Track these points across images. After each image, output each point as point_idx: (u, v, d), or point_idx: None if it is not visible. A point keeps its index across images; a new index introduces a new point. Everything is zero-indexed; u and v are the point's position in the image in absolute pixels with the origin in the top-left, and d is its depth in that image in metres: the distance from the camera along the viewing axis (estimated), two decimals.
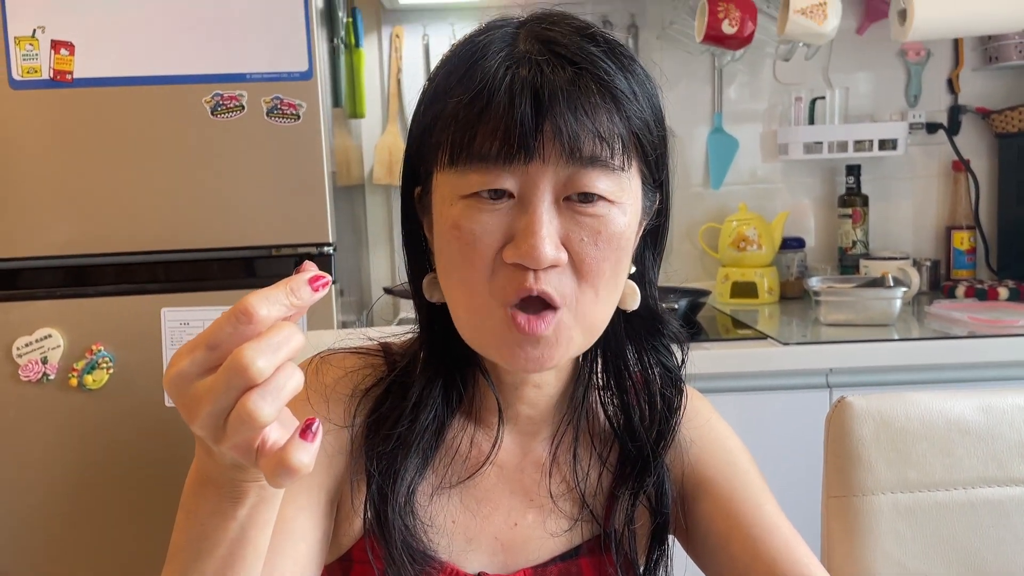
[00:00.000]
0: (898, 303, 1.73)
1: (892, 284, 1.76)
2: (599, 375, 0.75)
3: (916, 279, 1.93)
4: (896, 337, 1.64)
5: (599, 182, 0.60)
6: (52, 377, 1.49)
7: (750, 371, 1.59)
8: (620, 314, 0.70)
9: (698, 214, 2.20)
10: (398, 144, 2.12)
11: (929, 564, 0.80)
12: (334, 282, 1.55)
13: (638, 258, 0.70)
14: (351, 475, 0.71)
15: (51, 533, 1.53)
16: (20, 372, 1.49)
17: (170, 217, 1.50)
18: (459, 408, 0.72)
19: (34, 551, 1.53)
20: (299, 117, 1.49)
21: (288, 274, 1.54)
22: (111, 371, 1.50)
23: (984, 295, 1.93)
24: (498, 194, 0.60)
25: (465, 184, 0.60)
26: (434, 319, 0.70)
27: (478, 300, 0.62)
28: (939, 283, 2.10)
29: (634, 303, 0.69)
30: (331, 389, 0.72)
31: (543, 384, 0.72)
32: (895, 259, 2.02)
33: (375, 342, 0.78)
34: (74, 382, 1.49)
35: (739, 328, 1.80)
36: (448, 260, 0.63)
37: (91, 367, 1.49)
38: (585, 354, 0.73)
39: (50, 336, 1.49)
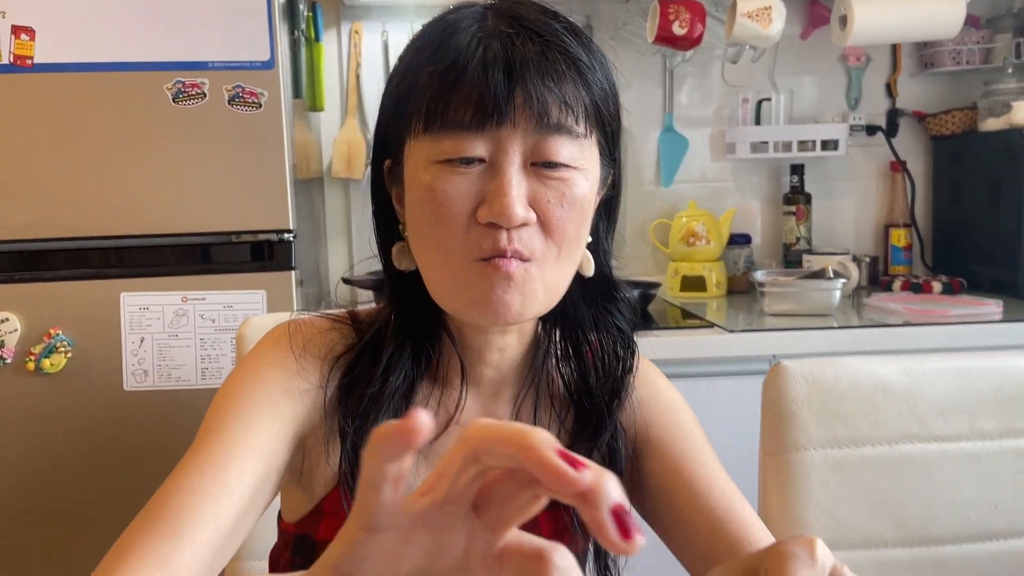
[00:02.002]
0: (838, 294, 1.81)
1: (832, 276, 1.85)
2: (558, 342, 0.80)
3: (855, 272, 2.02)
4: (836, 325, 1.72)
5: (564, 149, 0.65)
6: (9, 361, 1.50)
7: (698, 357, 1.66)
8: (577, 280, 0.74)
9: (649, 211, 2.27)
10: (357, 138, 2.15)
11: (856, 514, 0.86)
12: (294, 267, 1.58)
13: (593, 229, 0.74)
14: (325, 434, 0.74)
15: (7, 517, 1.53)
16: None
17: (130, 203, 1.51)
18: (427, 371, 0.75)
19: None
20: (260, 106, 1.52)
21: (245, 260, 1.59)
22: (69, 355, 1.51)
23: (919, 288, 2.02)
24: (470, 161, 0.64)
25: (438, 150, 0.64)
26: (403, 287, 0.74)
27: (452, 256, 0.66)
28: (877, 278, 2.20)
29: (589, 270, 0.74)
30: (305, 349, 0.75)
31: (505, 347, 0.75)
32: (836, 254, 2.11)
33: (342, 311, 0.82)
34: (31, 366, 1.49)
35: (688, 319, 1.87)
36: (422, 222, 0.67)
37: (49, 351, 1.50)
38: (544, 321, 0.78)
39: (7, 320, 1.49)
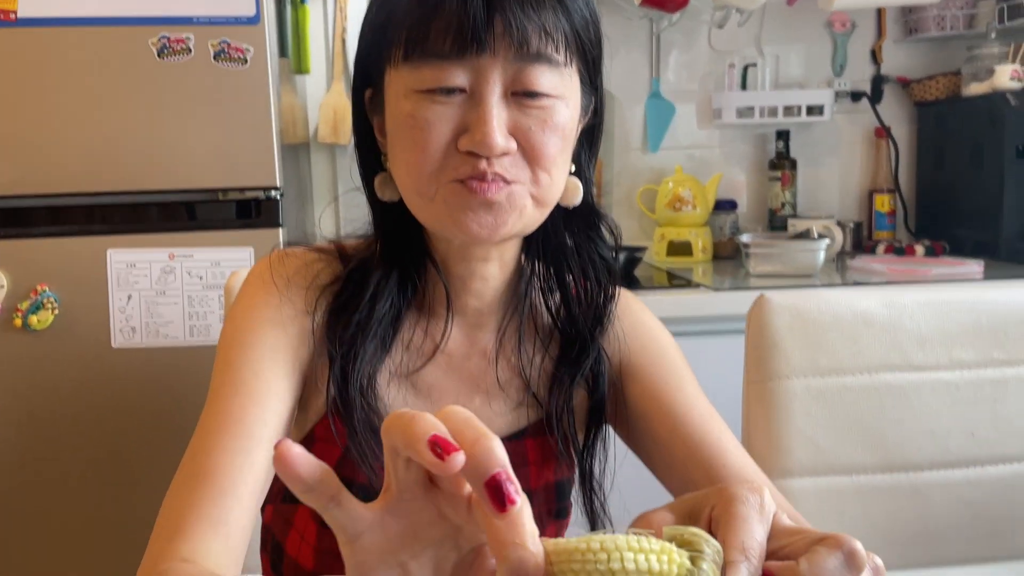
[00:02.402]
0: (822, 254, 1.83)
1: (816, 237, 1.86)
2: (540, 272, 0.80)
3: (839, 235, 2.04)
4: (819, 284, 1.74)
5: (544, 78, 0.65)
6: None
7: (684, 316, 1.67)
8: (560, 209, 0.74)
9: (636, 177, 2.27)
10: (343, 103, 2.14)
11: (838, 440, 0.87)
12: (280, 225, 1.58)
13: (576, 158, 0.74)
14: (315, 359, 0.75)
15: None
16: None
17: (115, 159, 1.51)
18: (413, 300, 0.76)
19: None
20: (246, 62, 1.51)
21: (231, 218, 1.58)
22: (56, 312, 1.50)
23: (902, 252, 2.04)
24: (450, 91, 0.64)
25: (418, 79, 0.64)
26: (387, 217, 0.74)
27: (432, 178, 0.66)
28: (861, 243, 2.22)
29: (576, 198, 0.74)
30: (291, 279, 0.76)
31: (488, 277, 0.76)
32: (821, 219, 2.13)
33: (329, 243, 0.83)
34: (18, 323, 1.49)
35: (674, 280, 1.88)
36: (402, 148, 0.67)
37: (36, 307, 1.49)
38: (527, 250, 0.79)
39: None
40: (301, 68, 2.04)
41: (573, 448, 0.79)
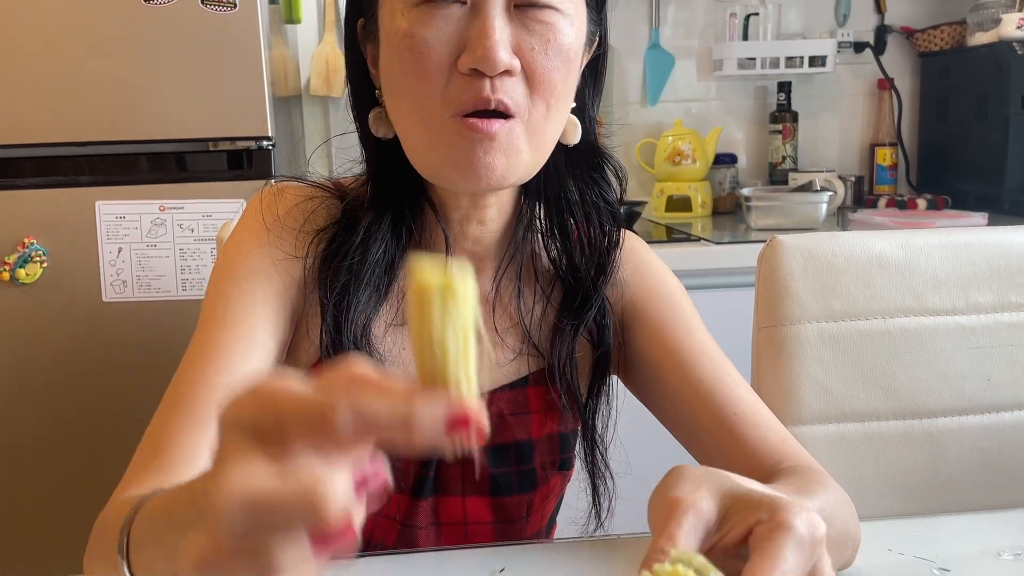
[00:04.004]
0: (824, 207, 1.80)
1: (818, 189, 1.83)
2: (541, 219, 0.77)
3: (841, 188, 2.01)
4: None
5: None
6: None
7: (684, 269, 1.64)
8: (561, 149, 0.71)
9: (635, 130, 2.23)
10: (335, 54, 2.09)
11: (850, 387, 0.85)
12: (273, 176, 1.54)
13: (579, 95, 0.71)
14: (306, 305, 0.72)
15: None
16: None
17: (101, 107, 1.46)
18: (409, 244, 0.73)
19: None
20: (235, 5, 1.46)
21: (222, 169, 1.53)
22: (45, 265, 1.47)
23: (904, 205, 2.02)
24: None
25: None
26: (381, 154, 0.71)
27: (431, 112, 0.63)
28: (862, 198, 2.19)
29: (575, 137, 0.71)
30: (284, 219, 0.73)
31: (485, 220, 0.73)
32: (822, 172, 2.09)
33: (326, 179, 0.79)
34: (6, 276, 1.46)
35: (674, 235, 1.85)
36: (399, 73, 0.64)
37: (24, 260, 1.46)
38: (527, 193, 0.75)
39: None
40: (292, 17, 1.98)
41: (576, 401, 0.77)
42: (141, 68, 1.46)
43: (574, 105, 0.70)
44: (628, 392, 0.81)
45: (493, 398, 0.74)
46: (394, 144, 0.69)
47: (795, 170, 2.16)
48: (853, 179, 2.18)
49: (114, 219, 1.49)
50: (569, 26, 0.64)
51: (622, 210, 1.89)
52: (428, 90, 0.62)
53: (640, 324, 0.78)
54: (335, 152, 2.17)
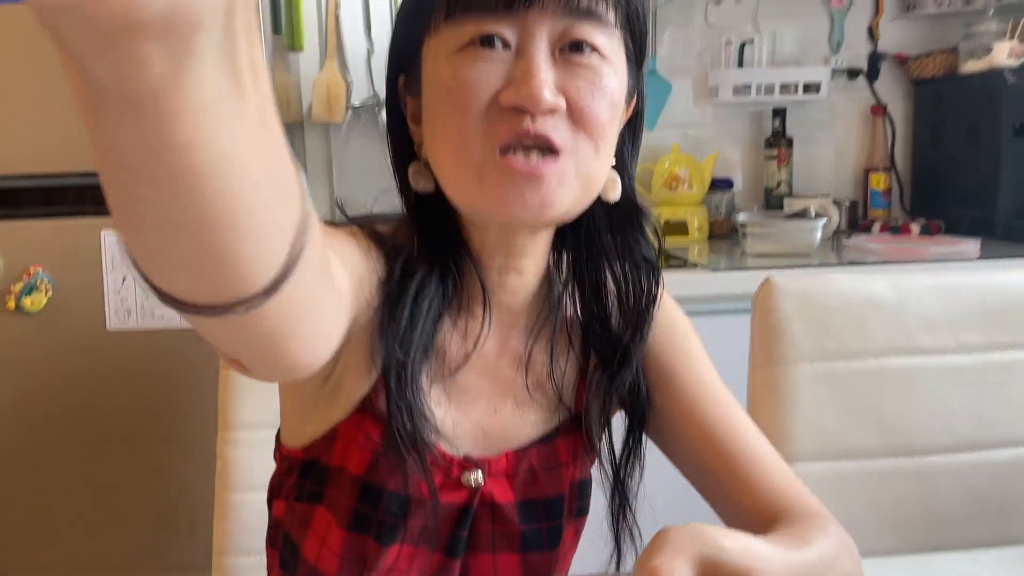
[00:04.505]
0: (818, 234, 1.82)
1: (813, 216, 1.86)
2: (571, 270, 0.74)
3: (836, 214, 2.03)
4: (816, 263, 1.73)
5: (594, 35, 0.61)
6: None
7: (680, 296, 1.66)
8: (601, 207, 0.69)
9: None
10: (337, 80, 2.12)
11: (843, 425, 0.87)
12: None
13: (618, 152, 0.69)
14: (357, 349, 0.66)
15: None
16: None
17: None
18: (453, 299, 0.70)
19: None
20: None
21: None
22: (50, 294, 1.49)
23: (898, 230, 2.04)
24: (493, 42, 0.60)
25: (461, 35, 0.61)
26: (421, 210, 0.69)
27: (469, 146, 0.60)
28: (857, 222, 2.22)
29: (615, 193, 0.68)
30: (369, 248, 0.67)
31: (524, 271, 0.71)
32: (817, 198, 2.12)
33: (357, 225, 0.72)
34: (12, 305, 1.48)
35: (671, 260, 1.88)
36: (440, 115, 0.62)
37: (29, 289, 1.48)
38: (560, 247, 0.74)
39: None
40: (294, 45, 2.01)
41: (604, 457, 0.76)
42: None
43: (614, 162, 0.67)
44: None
45: (525, 454, 0.73)
46: (433, 198, 0.67)
47: (790, 195, 2.19)
48: (848, 203, 2.21)
49: (119, 248, 1.51)
50: (613, 73, 0.63)
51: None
52: (468, 126, 0.60)
53: (650, 368, 0.76)
54: (336, 177, 2.20)
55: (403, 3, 0.68)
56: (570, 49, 0.61)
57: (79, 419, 1.52)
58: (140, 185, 0.31)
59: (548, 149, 0.60)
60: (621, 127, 0.68)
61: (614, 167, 0.68)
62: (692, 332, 0.79)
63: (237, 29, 0.29)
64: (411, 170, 0.68)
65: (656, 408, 0.76)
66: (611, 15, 0.62)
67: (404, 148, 0.70)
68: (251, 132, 0.32)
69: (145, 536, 1.55)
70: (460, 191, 0.64)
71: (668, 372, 0.75)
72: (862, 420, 0.88)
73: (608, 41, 0.63)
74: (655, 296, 0.73)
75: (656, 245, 0.74)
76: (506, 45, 0.61)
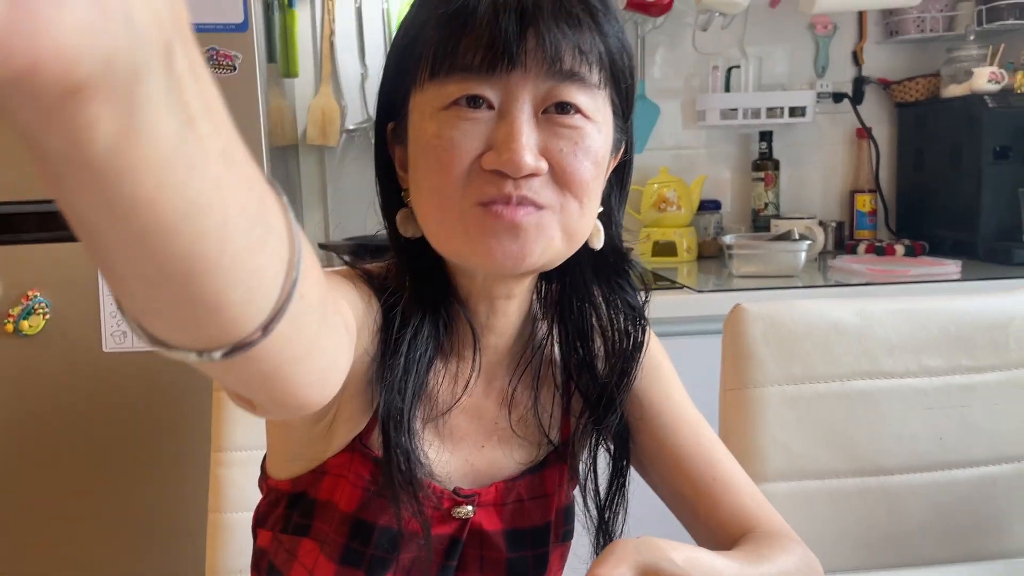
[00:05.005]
0: (803, 255, 1.86)
1: (798, 238, 1.90)
2: (554, 315, 0.75)
3: (821, 236, 2.07)
4: (800, 285, 1.77)
5: (578, 96, 0.61)
6: None
7: (668, 317, 1.70)
8: (586, 252, 0.70)
9: None
10: (331, 105, 2.16)
11: (810, 446, 0.90)
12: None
13: (605, 199, 0.70)
14: (353, 392, 0.68)
15: None
16: None
17: None
18: (443, 343, 0.71)
19: None
20: (235, 68, 1.53)
21: None
22: (47, 317, 1.52)
23: (883, 251, 2.07)
24: (477, 102, 0.60)
25: (444, 95, 0.61)
26: (410, 255, 0.70)
27: (450, 201, 0.61)
28: (843, 243, 2.25)
29: (599, 241, 0.69)
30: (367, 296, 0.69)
31: (511, 313, 0.71)
32: (803, 219, 2.16)
33: (350, 267, 0.74)
34: (10, 328, 1.51)
35: (659, 281, 1.91)
36: (424, 171, 0.63)
37: (27, 313, 1.51)
38: (546, 292, 0.75)
39: None
40: (290, 72, 2.05)
41: (588, 492, 0.77)
42: None
43: (600, 209, 0.68)
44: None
45: (515, 485, 0.74)
46: (421, 243, 0.68)
47: (778, 216, 2.23)
48: (834, 224, 2.25)
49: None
50: (597, 132, 0.63)
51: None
52: (450, 184, 0.61)
53: (633, 411, 0.77)
54: (331, 199, 2.24)
55: (390, 55, 0.69)
56: (554, 110, 0.61)
57: (76, 439, 1.55)
58: (112, 247, 0.31)
59: (532, 204, 0.61)
60: (607, 175, 0.68)
61: (600, 215, 0.68)
62: (673, 372, 0.80)
63: (181, 71, 0.28)
64: (399, 217, 0.69)
65: (636, 443, 0.78)
66: (595, 76, 0.62)
67: (392, 194, 0.71)
68: (218, 177, 0.31)
69: (139, 554, 1.58)
70: (443, 241, 0.64)
71: (651, 414, 0.76)
72: (829, 441, 0.91)
73: (591, 101, 0.62)
74: (641, 343, 0.74)
75: (644, 293, 0.75)
76: (490, 106, 0.61)
